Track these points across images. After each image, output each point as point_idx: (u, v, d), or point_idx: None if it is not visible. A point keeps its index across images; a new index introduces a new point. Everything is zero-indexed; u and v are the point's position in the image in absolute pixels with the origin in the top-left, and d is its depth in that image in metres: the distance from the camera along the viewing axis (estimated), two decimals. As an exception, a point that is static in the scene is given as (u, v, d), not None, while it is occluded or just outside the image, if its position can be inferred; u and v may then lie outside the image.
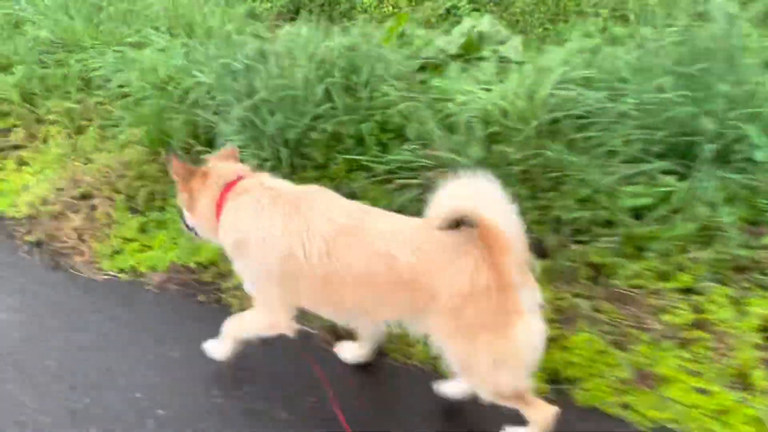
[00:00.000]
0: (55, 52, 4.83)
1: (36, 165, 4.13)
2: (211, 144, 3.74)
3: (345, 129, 3.55)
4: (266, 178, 2.34)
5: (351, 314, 2.24)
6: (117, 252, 3.39)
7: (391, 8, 8.08)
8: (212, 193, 2.31)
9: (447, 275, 1.93)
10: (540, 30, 6.36)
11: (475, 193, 1.88)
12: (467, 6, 7.57)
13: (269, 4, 6.43)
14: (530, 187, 3.10)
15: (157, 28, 4.87)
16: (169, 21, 4.93)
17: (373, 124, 3.55)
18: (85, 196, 3.73)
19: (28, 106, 4.51)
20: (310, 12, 6.41)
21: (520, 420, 2.19)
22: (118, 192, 3.68)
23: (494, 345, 1.96)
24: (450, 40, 4.66)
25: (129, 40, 4.85)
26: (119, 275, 3.27)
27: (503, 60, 4.36)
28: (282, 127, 3.47)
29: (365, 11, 7.71)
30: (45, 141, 4.29)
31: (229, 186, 2.30)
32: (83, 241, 3.47)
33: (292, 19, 6.13)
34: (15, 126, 4.48)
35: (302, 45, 3.79)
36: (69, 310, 3.12)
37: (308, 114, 3.58)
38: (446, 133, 3.34)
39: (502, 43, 4.74)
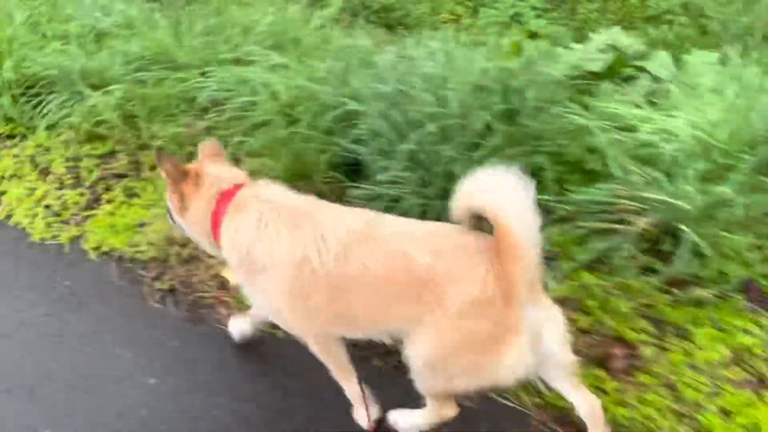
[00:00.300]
0: (150, 69, 4.43)
1: (146, 197, 3.73)
2: (355, 176, 3.34)
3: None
4: (263, 189, 2.24)
5: (363, 324, 2.14)
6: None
7: (447, 15, 7.68)
8: (207, 201, 2.22)
9: (459, 280, 1.87)
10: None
11: (497, 191, 1.78)
12: (531, 12, 7.20)
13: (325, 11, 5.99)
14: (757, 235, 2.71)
15: (258, 44, 4.48)
16: (270, 35, 4.54)
17: (545, 157, 3.16)
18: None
19: (130, 129, 4.12)
20: (367, 20, 6.00)
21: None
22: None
23: (479, 358, 1.91)
24: (587, 57, 4.26)
25: (227, 56, 4.47)
26: (275, 331, 2.86)
27: (655, 79, 3.97)
28: (448, 162, 3.07)
29: (420, 20, 7.33)
30: (152, 168, 3.90)
31: (226, 195, 2.21)
32: (226, 290, 3.08)
33: (348, 26, 5.74)
34: (116, 152, 4.08)
35: (457, 66, 3.39)
36: (229, 376, 2.72)
37: (465, 145, 3.19)
38: (641, 167, 2.95)
39: (641, 58, 4.34)
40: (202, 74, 4.38)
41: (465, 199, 1.87)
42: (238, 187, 2.24)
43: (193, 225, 2.32)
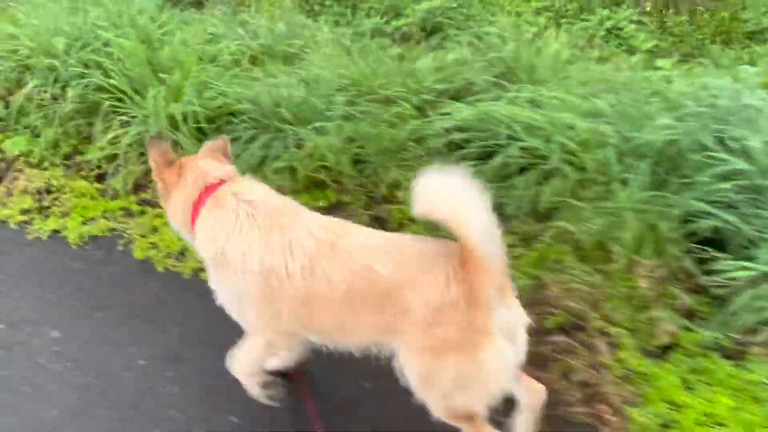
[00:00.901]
0: (358, 103, 3.71)
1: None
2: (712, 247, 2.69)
3: None
4: (244, 186, 2.22)
5: (330, 337, 2.17)
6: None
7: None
8: (189, 192, 2.23)
9: (420, 287, 1.88)
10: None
11: (455, 199, 1.75)
12: (631, 26, 6.67)
13: (399, 22, 5.40)
14: None
15: (481, 73, 3.79)
16: (497, 62, 3.85)
17: None
18: (566, 328, 2.62)
19: (358, 176, 3.39)
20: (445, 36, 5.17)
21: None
22: (612, 323, 2.58)
23: (459, 365, 1.90)
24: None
25: (442, 87, 3.79)
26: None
27: None
28: None
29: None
30: (400, 225, 3.19)
31: (209, 189, 2.20)
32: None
33: (419, 42, 5.12)
34: (344, 203, 3.35)
35: None
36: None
37: None
38: None
39: None
40: (418, 109, 3.70)
41: (425, 205, 1.80)
42: (222, 182, 2.22)
43: (173, 213, 2.32)
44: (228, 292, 2.20)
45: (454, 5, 5.73)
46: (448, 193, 1.77)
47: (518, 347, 1.95)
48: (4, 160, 4.01)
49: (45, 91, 4.12)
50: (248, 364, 2.32)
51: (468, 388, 1.96)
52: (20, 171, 3.87)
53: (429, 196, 1.81)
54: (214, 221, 2.16)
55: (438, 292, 1.86)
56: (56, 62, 4.11)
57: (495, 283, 1.85)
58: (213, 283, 2.26)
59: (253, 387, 2.36)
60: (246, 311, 2.18)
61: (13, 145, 4.03)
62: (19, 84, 4.28)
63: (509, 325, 1.91)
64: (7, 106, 4.25)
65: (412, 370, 1.99)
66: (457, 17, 5.65)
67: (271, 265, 2.03)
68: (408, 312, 1.90)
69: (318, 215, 2.18)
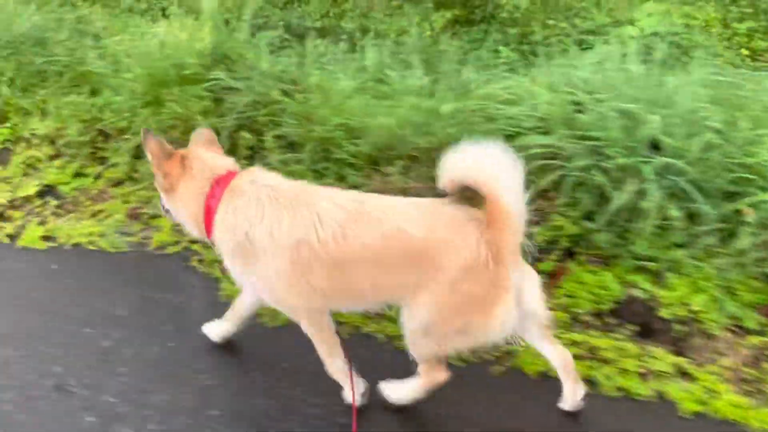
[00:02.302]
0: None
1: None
2: None
3: None
4: (259, 175, 2.34)
5: (364, 298, 2.30)
6: None
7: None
8: (198, 185, 2.30)
9: (454, 248, 2.05)
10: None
11: (488, 161, 1.97)
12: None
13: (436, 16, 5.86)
14: None
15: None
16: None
17: None
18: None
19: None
20: (486, 31, 5.49)
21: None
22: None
23: (473, 317, 2.10)
24: None
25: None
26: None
27: None
28: None
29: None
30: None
31: (220, 182, 2.30)
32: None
33: (455, 34, 5.45)
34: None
35: None
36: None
37: None
38: None
39: None
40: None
41: (457, 171, 2.02)
42: (232, 173, 2.33)
43: (180, 206, 2.37)
44: (260, 276, 2.27)
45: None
46: (486, 159, 1.97)
47: (531, 303, 2.16)
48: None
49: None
50: (324, 353, 2.43)
51: (469, 335, 2.16)
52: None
53: (466, 162, 2.00)
54: (235, 211, 2.23)
55: (469, 252, 2.03)
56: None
57: (518, 242, 2.07)
58: (239, 273, 2.35)
59: (345, 383, 2.45)
60: (279, 290, 2.27)
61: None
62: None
63: (519, 283, 2.11)
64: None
65: (421, 317, 2.14)
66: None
67: (301, 236, 2.13)
68: (440, 270, 2.06)
69: (338, 190, 2.30)
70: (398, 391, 2.47)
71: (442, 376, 2.35)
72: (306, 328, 2.40)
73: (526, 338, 2.40)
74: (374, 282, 2.18)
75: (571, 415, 2.46)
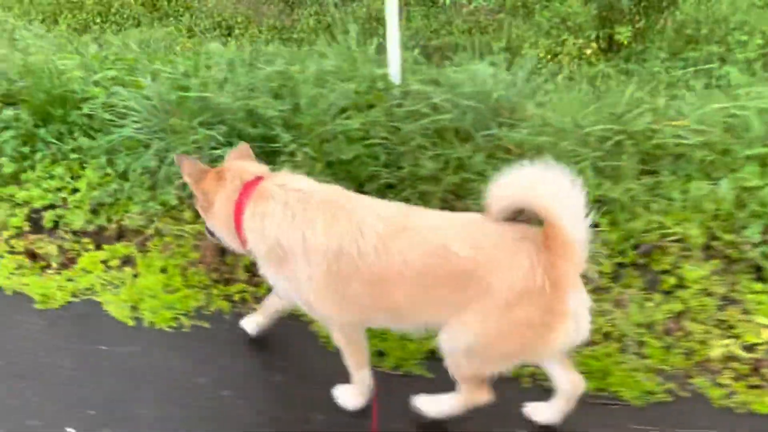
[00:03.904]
0: None
1: None
2: None
3: None
4: (288, 178, 2.24)
5: (401, 316, 2.16)
6: None
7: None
8: (228, 193, 2.22)
9: (503, 270, 1.91)
10: None
11: (553, 187, 1.83)
12: None
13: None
14: None
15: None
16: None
17: None
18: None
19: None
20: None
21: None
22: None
23: (528, 342, 1.98)
24: None
25: None
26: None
27: None
28: None
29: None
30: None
31: (248, 187, 2.20)
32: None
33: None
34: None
35: None
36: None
37: None
38: None
39: None
40: None
41: (511, 194, 1.90)
42: (259, 178, 2.23)
43: (217, 220, 2.29)
44: (292, 281, 2.18)
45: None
46: (548, 182, 1.84)
47: (582, 329, 2.02)
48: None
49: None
50: (354, 363, 2.36)
51: (517, 359, 2.07)
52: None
53: (521, 184, 1.88)
54: (263, 215, 2.14)
55: (522, 275, 1.89)
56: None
57: (579, 269, 1.94)
58: (272, 278, 2.28)
59: (363, 374, 2.38)
60: (309, 296, 2.17)
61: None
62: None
63: (578, 308, 1.98)
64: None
65: (469, 340, 2.01)
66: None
67: (340, 244, 2.02)
68: (489, 292, 1.92)
69: (376, 199, 2.22)
70: (435, 406, 2.35)
71: (484, 397, 2.21)
72: (336, 337, 2.32)
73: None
74: (414, 301, 2.06)
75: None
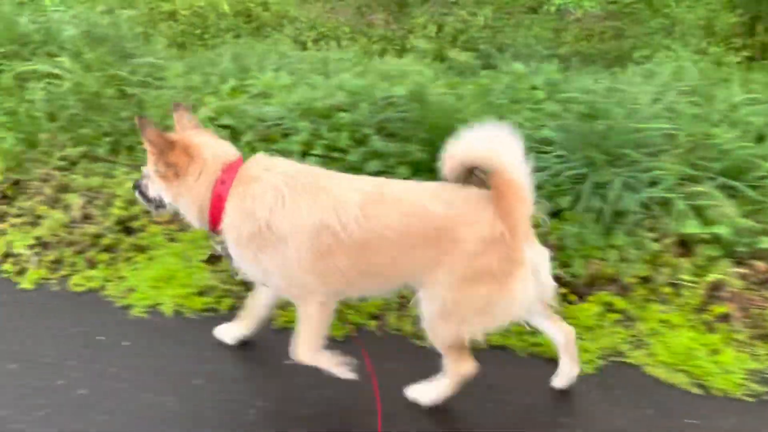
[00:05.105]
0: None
1: None
2: None
3: None
4: (270, 161, 2.34)
5: (384, 279, 2.32)
6: None
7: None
8: (209, 173, 2.26)
9: (470, 222, 2.11)
10: None
11: (495, 141, 2.06)
12: None
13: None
14: None
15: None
16: None
17: None
18: None
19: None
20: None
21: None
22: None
23: (491, 291, 2.14)
24: None
25: None
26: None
27: None
28: None
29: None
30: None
31: (230, 168, 2.28)
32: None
33: None
34: None
35: None
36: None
37: None
38: None
39: None
40: None
41: (465, 152, 2.11)
42: (240, 160, 2.33)
43: (185, 193, 2.31)
44: (277, 263, 2.25)
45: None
46: (493, 138, 2.07)
47: (544, 279, 2.24)
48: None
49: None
50: (311, 339, 2.40)
51: (487, 313, 2.20)
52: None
53: (469, 144, 2.10)
54: (253, 198, 2.22)
55: (486, 225, 2.10)
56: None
57: (530, 213, 2.15)
58: (250, 262, 2.31)
59: (327, 364, 2.44)
60: (297, 276, 2.26)
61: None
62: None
63: (534, 259, 2.19)
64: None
65: (439, 299, 2.19)
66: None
67: (323, 221, 2.16)
68: (458, 244, 2.12)
69: (353, 176, 2.38)
70: (427, 394, 2.47)
71: (469, 367, 2.36)
72: (306, 310, 2.36)
73: (528, 317, 2.46)
74: (395, 262, 2.21)
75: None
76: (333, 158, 3.53)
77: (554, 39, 8.07)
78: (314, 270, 2.22)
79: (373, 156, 3.51)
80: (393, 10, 8.81)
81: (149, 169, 2.36)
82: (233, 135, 3.75)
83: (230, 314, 2.93)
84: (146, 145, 2.28)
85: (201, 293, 3.12)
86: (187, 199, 2.32)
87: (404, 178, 3.15)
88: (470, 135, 2.08)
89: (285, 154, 2.66)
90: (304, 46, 8.03)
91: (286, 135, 3.73)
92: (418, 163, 3.46)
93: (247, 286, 2.89)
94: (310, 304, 2.34)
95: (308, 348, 2.40)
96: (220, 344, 2.82)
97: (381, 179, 2.34)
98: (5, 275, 3.26)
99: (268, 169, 2.26)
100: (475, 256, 2.09)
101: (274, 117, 3.80)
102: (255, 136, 3.72)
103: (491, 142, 2.06)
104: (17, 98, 3.87)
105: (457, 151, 2.11)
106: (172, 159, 2.25)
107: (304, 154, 3.56)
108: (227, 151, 2.35)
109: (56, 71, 3.95)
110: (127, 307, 3.07)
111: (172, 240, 3.43)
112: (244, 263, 2.34)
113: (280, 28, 8.61)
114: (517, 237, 2.09)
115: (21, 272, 3.28)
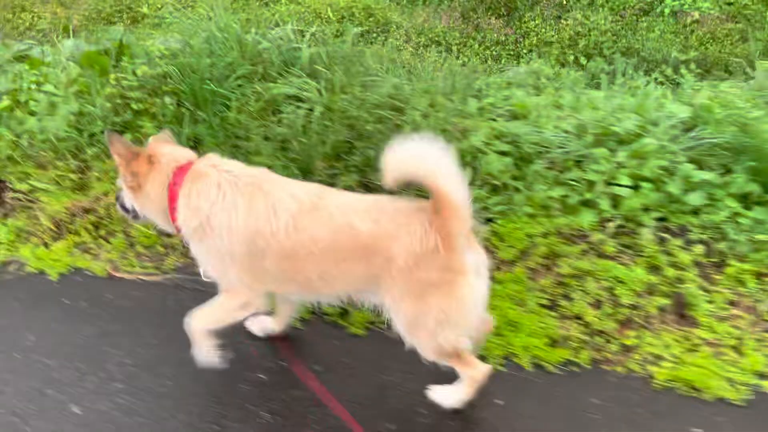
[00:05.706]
0: None
1: None
2: None
3: None
4: (218, 160, 2.42)
5: (315, 288, 2.35)
6: None
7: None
8: (163, 176, 2.37)
9: (401, 238, 2.14)
10: None
11: (426, 155, 2.04)
12: None
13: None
14: None
15: None
16: None
17: None
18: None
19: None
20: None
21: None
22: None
23: (441, 303, 2.17)
24: None
25: None
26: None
27: None
28: None
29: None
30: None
31: (182, 169, 2.37)
32: None
33: None
34: None
35: None
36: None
37: None
38: None
39: None
40: None
41: (400, 166, 2.08)
42: (191, 162, 2.41)
43: (148, 200, 2.41)
44: (213, 256, 2.34)
45: None
46: (426, 153, 2.03)
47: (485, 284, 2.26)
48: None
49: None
50: (211, 321, 2.48)
51: (450, 323, 2.21)
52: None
53: (406, 158, 2.06)
54: (198, 193, 2.30)
55: (417, 240, 2.12)
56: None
57: (467, 228, 2.15)
58: (196, 252, 2.41)
59: (201, 346, 2.53)
60: (229, 271, 2.33)
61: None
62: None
63: (477, 265, 2.21)
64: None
65: (399, 315, 2.25)
66: None
67: (256, 225, 2.22)
68: (391, 260, 2.15)
69: (296, 181, 2.39)
70: (449, 397, 2.48)
71: (480, 370, 2.40)
72: (226, 301, 2.42)
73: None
74: (326, 274, 2.25)
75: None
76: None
77: (680, 43, 7.85)
78: (244, 267, 2.29)
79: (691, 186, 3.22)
80: (502, 14, 8.51)
81: (120, 181, 2.45)
82: (517, 164, 3.45)
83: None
84: (115, 158, 2.37)
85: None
86: (150, 206, 2.41)
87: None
88: (404, 149, 2.03)
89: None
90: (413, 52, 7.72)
91: (578, 162, 3.42)
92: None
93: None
94: (233, 299, 2.40)
95: (204, 324, 2.47)
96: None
97: (323, 188, 2.35)
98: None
99: (215, 166, 2.33)
100: (410, 270, 2.13)
101: (556, 143, 3.49)
102: (544, 164, 3.41)
103: (424, 157, 2.03)
104: (273, 122, 3.50)
105: (391, 164, 2.07)
106: (135, 168, 2.35)
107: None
108: (182, 154, 2.42)
109: (306, 94, 3.58)
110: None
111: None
112: (196, 255, 2.41)
113: (384, 35, 8.28)
114: (454, 248, 2.10)
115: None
